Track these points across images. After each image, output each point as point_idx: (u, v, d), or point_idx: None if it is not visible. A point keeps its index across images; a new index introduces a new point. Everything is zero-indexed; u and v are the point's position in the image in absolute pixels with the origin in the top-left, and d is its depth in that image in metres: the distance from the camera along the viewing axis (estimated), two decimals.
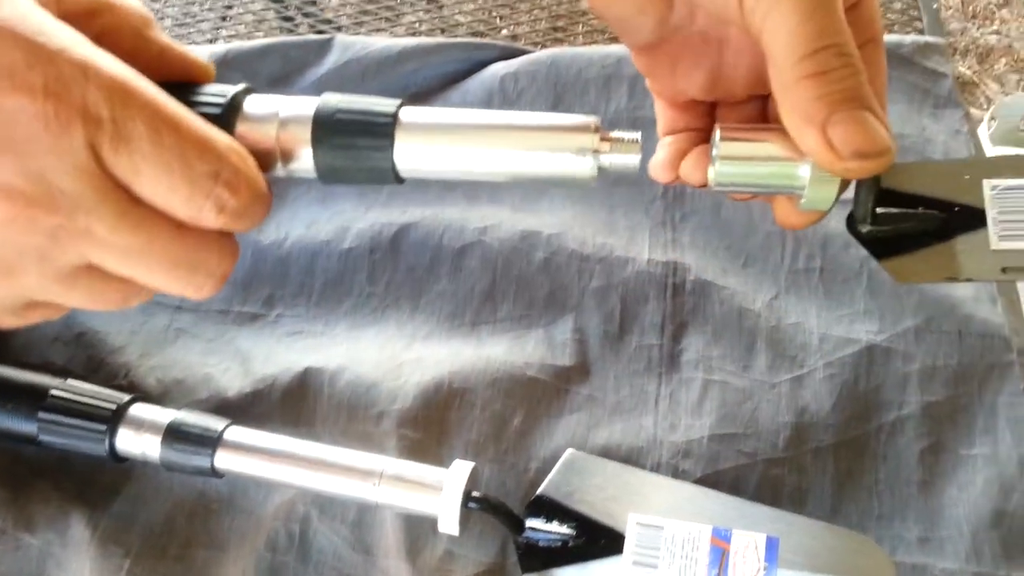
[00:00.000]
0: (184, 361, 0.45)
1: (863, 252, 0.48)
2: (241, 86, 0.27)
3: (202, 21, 0.74)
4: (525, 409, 0.43)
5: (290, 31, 0.74)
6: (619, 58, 0.55)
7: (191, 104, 0.25)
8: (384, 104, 0.27)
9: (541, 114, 0.28)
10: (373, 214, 0.51)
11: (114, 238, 0.22)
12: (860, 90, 0.25)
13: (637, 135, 0.27)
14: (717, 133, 0.28)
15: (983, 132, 1.01)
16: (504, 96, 0.54)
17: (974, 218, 0.30)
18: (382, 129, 0.26)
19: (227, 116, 0.26)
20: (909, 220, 0.30)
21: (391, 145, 0.26)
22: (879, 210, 0.30)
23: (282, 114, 0.26)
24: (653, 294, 0.47)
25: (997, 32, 1.85)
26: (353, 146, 0.26)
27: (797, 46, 0.24)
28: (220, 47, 0.56)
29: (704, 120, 0.32)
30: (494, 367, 0.44)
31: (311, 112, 0.26)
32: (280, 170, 0.27)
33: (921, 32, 0.62)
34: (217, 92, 0.26)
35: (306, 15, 0.77)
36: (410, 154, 0.26)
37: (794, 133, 0.25)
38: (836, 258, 0.47)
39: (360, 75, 0.55)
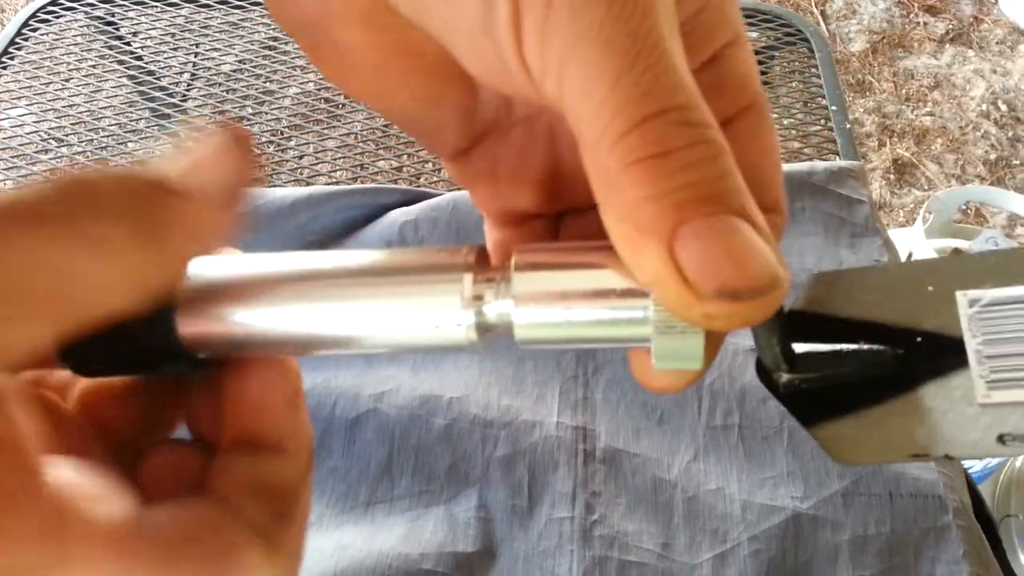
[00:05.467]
0: None
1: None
2: None
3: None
4: None
5: None
6: None
7: None
8: None
9: (391, 252, 0.19)
10: None
11: None
12: (723, 182, 0.15)
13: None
14: (512, 261, 0.18)
15: (918, 227, 1.01)
16: (404, 245, 0.52)
17: (947, 353, 0.19)
18: None
19: None
20: (847, 362, 0.19)
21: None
22: (800, 348, 0.19)
23: None
24: (563, 460, 0.43)
25: (931, 113, 1.90)
26: None
27: (613, 117, 0.15)
28: None
29: (547, 239, 0.23)
30: (385, 563, 0.40)
31: None
32: None
33: (836, 155, 0.61)
34: None
35: None
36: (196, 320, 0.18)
37: (625, 253, 0.16)
38: (754, 414, 0.44)
39: (250, 229, 0.52)
